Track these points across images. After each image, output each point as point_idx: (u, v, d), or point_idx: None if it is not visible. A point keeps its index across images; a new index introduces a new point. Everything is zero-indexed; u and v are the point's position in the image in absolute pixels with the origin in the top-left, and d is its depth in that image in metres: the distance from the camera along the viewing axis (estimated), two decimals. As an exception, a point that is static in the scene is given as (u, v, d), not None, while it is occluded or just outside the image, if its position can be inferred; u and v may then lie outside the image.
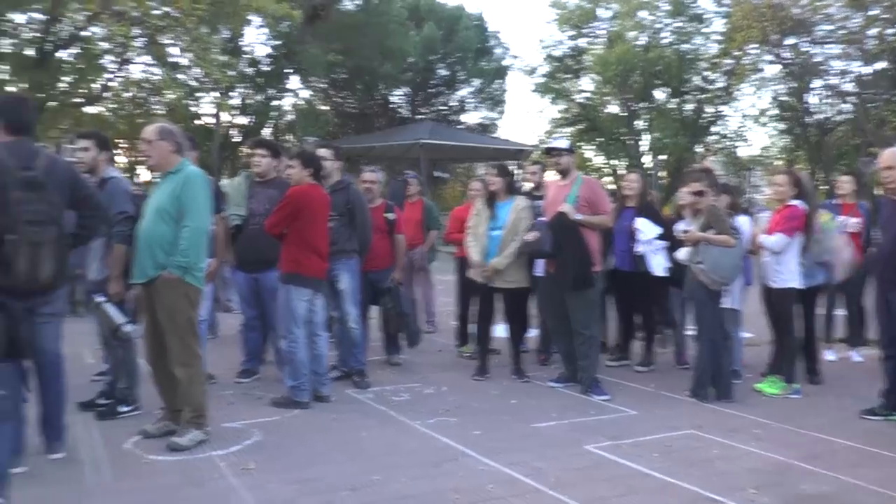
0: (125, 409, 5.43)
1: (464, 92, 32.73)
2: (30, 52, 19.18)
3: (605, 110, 31.75)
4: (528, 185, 7.84)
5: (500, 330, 7.07)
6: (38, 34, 19.00)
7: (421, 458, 4.56)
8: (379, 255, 6.70)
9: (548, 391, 6.31)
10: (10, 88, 19.08)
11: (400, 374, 6.87)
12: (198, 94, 23.42)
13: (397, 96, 32.22)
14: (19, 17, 18.30)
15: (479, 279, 6.57)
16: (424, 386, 6.40)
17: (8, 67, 19.06)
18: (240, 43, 24.40)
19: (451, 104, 32.85)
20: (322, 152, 6.24)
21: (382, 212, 6.90)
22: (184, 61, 20.32)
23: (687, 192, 6.45)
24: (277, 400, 5.69)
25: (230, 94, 24.69)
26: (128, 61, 20.31)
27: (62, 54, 19.65)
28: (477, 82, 32.23)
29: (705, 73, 29.39)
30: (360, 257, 6.39)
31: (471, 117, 33.48)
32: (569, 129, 32.04)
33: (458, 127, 30.98)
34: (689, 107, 30.27)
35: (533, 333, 7.60)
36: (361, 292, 6.48)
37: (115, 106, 22.45)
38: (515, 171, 11.68)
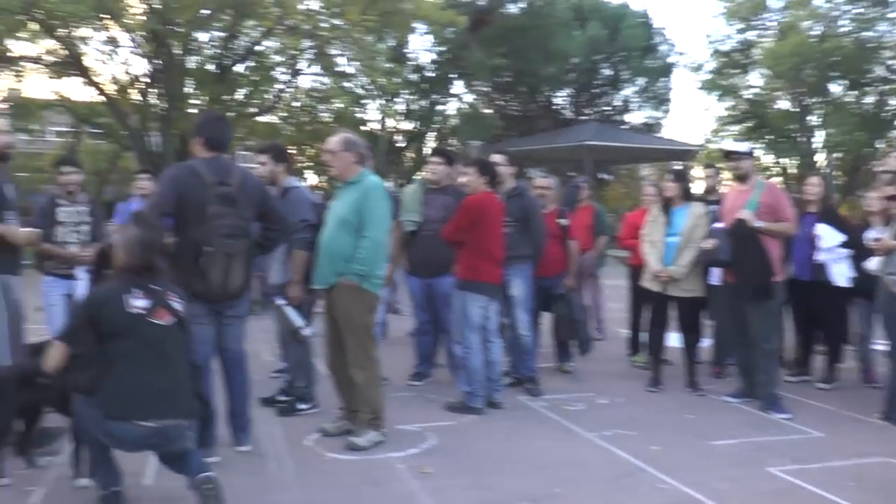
0: (304, 406, 5.65)
1: (628, 91, 32.07)
2: (210, 67, 20.52)
3: (775, 106, 30.26)
4: (700, 189, 7.59)
5: (672, 339, 6.86)
6: (218, 50, 20.30)
7: (599, 471, 4.48)
8: (552, 261, 6.64)
9: (724, 406, 6.05)
10: (194, 101, 20.51)
11: (572, 383, 6.80)
12: (363, 101, 24.21)
13: (560, 97, 32.01)
14: (203, 36, 19.60)
15: (655, 287, 6.42)
16: (598, 396, 6.29)
17: (192, 82, 20.47)
18: (404, 50, 25.01)
19: (614, 104, 32.27)
20: (496, 158, 6.29)
21: (555, 217, 6.86)
22: (350, 70, 21.07)
23: (879, 196, 6.03)
24: (452, 405, 5.75)
25: (395, 100, 25.35)
26: (298, 72, 21.27)
27: (239, 68, 20.89)
28: (641, 81, 31.48)
29: (889, 63, 27.34)
30: (533, 263, 6.37)
31: (635, 117, 32.83)
32: (736, 127, 30.80)
33: (622, 127, 30.41)
34: (870, 100, 28.24)
35: (706, 343, 7.33)
36: (533, 298, 6.47)
37: (285, 114, 23.59)
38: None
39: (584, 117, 30.21)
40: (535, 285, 6.47)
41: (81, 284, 5.92)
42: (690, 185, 6.80)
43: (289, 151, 6.50)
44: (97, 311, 3.65)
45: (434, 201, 6.35)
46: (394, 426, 5.13)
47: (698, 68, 30.68)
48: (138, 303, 3.68)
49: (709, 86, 30.44)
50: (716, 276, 6.32)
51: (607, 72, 31.18)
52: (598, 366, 7.36)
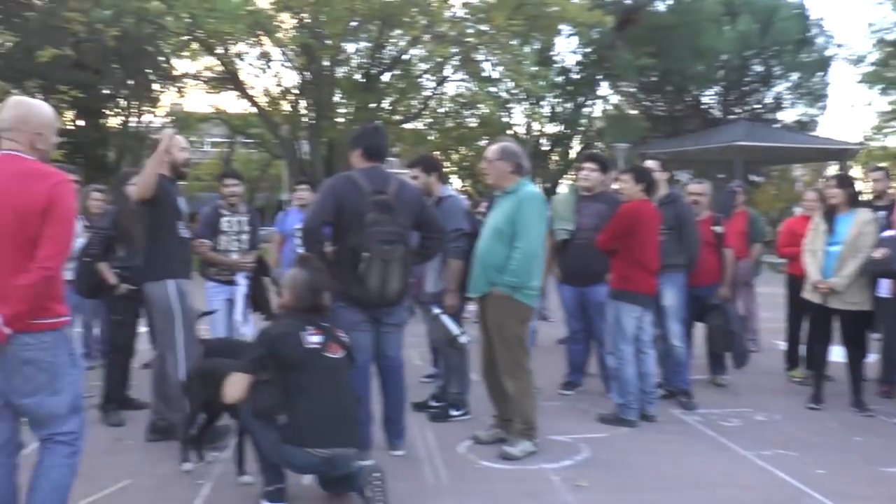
0: (456, 412, 5.72)
1: (780, 88, 30.50)
2: (357, 76, 21.14)
3: (951, 99, 28.05)
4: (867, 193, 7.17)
5: (835, 354, 6.49)
6: (365, 60, 20.88)
7: (760, 493, 4.30)
8: (706, 269, 6.44)
9: (895, 430, 5.67)
10: (341, 110, 21.19)
11: (727, 397, 6.55)
12: (509, 105, 24.28)
13: (708, 96, 30.97)
14: (350, 47, 20.25)
15: (816, 299, 6.11)
16: (755, 412, 6.03)
17: (340, 92, 21.16)
18: (550, 53, 24.91)
19: (765, 102, 30.89)
20: (649, 164, 6.17)
21: (710, 225, 6.65)
22: (496, 74, 21.19)
23: None
24: (605, 416, 5.68)
25: (541, 103, 25.29)
26: (445, 79, 21.56)
27: (385, 77, 21.42)
28: (795, 76, 29.94)
29: None
30: (686, 272, 6.21)
31: (787, 115, 31.22)
32: (900, 123, 28.82)
33: (774, 126, 29.09)
34: None
35: (871, 359, 6.89)
36: (686, 308, 6.30)
37: (430, 121, 23.98)
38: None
39: (732, 116, 29.10)
40: (689, 295, 6.31)
41: (241, 290, 6.23)
42: (857, 190, 6.41)
43: (436, 157, 6.59)
44: (275, 346, 3.89)
45: (587, 209, 6.27)
46: (546, 436, 5.12)
47: (859, 60, 28.78)
48: (313, 339, 3.92)
49: (871, 79, 28.48)
50: (885, 287, 5.93)
51: (758, 68, 29.81)
52: (754, 379, 7.06)
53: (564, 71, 26.19)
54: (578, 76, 26.37)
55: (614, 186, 6.39)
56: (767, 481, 4.51)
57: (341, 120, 21.14)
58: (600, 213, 6.07)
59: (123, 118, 25.58)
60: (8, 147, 3.13)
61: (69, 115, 21.75)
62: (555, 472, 4.59)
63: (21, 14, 19.45)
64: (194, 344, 4.96)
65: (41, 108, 3.27)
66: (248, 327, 6.22)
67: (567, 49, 26.97)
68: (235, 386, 3.90)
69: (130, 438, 5.19)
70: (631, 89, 29.03)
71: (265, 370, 3.86)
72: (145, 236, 4.95)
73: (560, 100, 26.49)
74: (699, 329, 6.79)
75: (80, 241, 5.77)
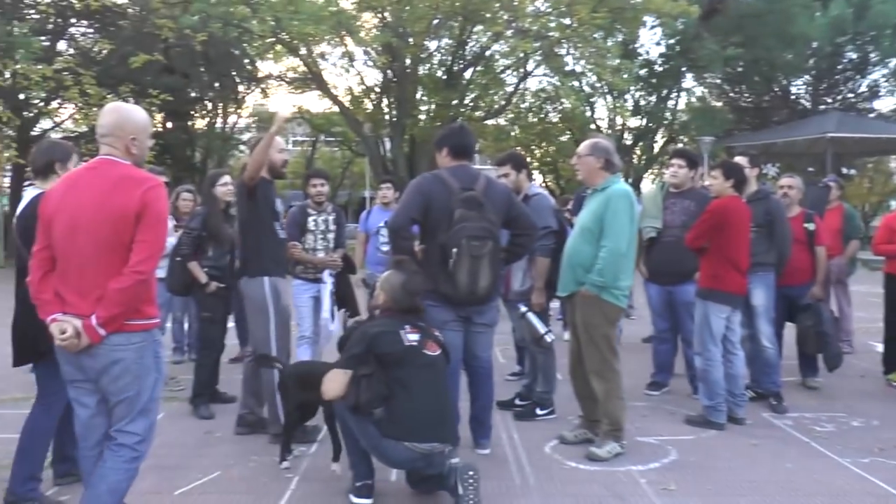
0: (542, 412, 5.70)
1: (876, 75, 29.14)
2: (439, 73, 21.23)
3: None
4: None
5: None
6: (447, 57, 20.96)
7: (857, 502, 4.15)
8: (797, 268, 6.26)
9: None
10: (423, 107, 21.35)
11: (819, 401, 6.32)
12: (592, 100, 24.02)
13: (797, 86, 29.96)
14: (432, 44, 20.34)
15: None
16: (850, 416, 5.81)
17: (422, 88, 21.31)
18: (633, 46, 24.53)
19: (859, 91, 29.69)
20: (739, 160, 6.02)
21: (801, 222, 6.46)
22: (579, 68, 21.00)
23: None
24: (692, 418, 5.57)
25: (624, 97, 24.94)
26: (528, 74, 21.46)
27: (467, 73, 21.47)
28: (893, 63, 28.55)
29: None
30: (776, 271, 6.04)
31: (884, 103, 29.98)
32: None
33: (869, 116, 27.89)
34: None
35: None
36: (776, 308, 6.13)
37: (512, 116, 23.91)
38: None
39: (823, 106, 28.07)
40: (779, 294, 6.14)
41: (327, 287, 6.33)
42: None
43: (522, 154, 6.57)
44: (374, 343, 3.95)
45: (675, 206, 6.19)
46: (633, 438, 5.08)
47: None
48: (411, 337, 4.00)
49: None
50: None
51: (852, 55, 28.59)
52: (847, 382, 6.84)
53: (648, 63, 25.70)
54: (662, 68, 25.83)
55: (702, 183, 6.26)
56: (865, 490, 4.32)
57: (423, 117, 21.28)
58: (688, 210, 5.98)
59: (209, 120, 26.37)
60: (105, 152, 3.25)
61: (158, 117, 22.51)
62: (642, 474, 4.53)
63: (116, 23, 20.22)
64: (286, 342, 5.07)
65: (136, 113, 3.37)
66: (335, 324, 6.32)
67: (651, 41, 26.60)
68: (335, 382, 3.98)
69: (219, 431, 5.37)
70: (716, 80, 28.32)
71: (365, 366, 3.93)
72: (244, 234, 5.09)
73: (643, 93, 26.03)
74: (790, 329, 6.60)
75: (170, 241, 5.96)
